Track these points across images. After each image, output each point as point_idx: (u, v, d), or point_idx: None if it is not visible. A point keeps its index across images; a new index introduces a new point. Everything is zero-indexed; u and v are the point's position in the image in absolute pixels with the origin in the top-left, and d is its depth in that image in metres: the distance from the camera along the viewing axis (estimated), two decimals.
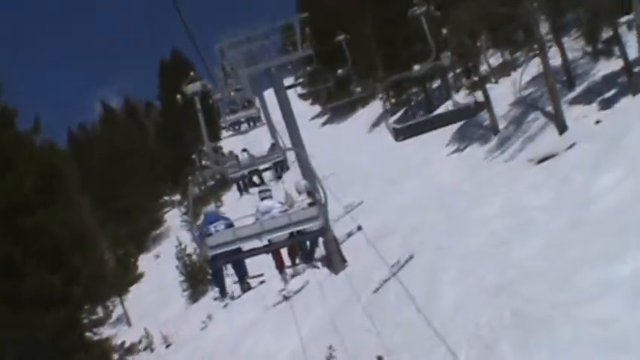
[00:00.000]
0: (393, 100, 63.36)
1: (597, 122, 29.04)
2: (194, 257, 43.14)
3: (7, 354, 21.79)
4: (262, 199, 15.07)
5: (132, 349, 30.24)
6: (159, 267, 55.00)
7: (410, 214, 31.07)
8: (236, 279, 16.35)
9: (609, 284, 16.86)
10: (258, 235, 11.51)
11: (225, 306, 35.65)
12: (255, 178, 22.14)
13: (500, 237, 23.11)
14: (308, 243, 16.17)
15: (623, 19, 32.28)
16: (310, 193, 14.66)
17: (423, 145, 43.15)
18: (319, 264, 20.44)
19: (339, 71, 41.63)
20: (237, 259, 13.71)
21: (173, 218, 67.15)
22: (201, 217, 15.57)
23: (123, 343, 30.13)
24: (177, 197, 69.53)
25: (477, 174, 33.80)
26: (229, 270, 16.68)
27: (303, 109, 74.71)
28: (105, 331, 32.59)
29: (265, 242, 12.06)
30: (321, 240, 18.60)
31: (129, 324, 46.22)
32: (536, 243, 21.26)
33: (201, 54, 12.79)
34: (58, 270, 23.07)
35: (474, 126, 39.10)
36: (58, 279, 22.22)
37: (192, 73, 19.60)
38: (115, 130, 75.90)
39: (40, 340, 21.94)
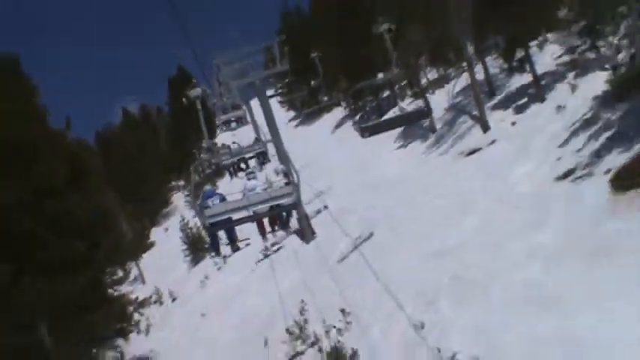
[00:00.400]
0: (352, 107, 62.74)
1: (513, 124, 28.82)
2: (194, 230, 42.54)
3: (41, 310, 21.20)
4: (249, 180, 15.05)
5: (144, 303, 29.53)
6: (167, 238, 54.28)
7: (367, 196, 30.53)
8: (228, 242, 16.41)
9: (532, 252, 16.47)
10: (245, 207, 12.10)
11: (219, 269, 35.70)
12: (243, 165, 21.61)
13: (442, 215, 22.69)
14: (284, 214, 16.16)
15: (533, 42, 31.90)
16: (286, 174, 14.68)
17: (375, 142, 42.74)
18: (293, 233, 21.58)
19: (312, 82, 40.92)
20: (229, 226, 13.81)
21: (178, 199, 66.41)
22: (201, 197, 15.19)
23: (137, 298, 29.40)
24: (181, 183, 68.83)
25: (419, 164, 33.30)
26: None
27: (282, 114, 74.42)
28: (124, 289, 32.14)
29: (251, 213, 12.34)
30: (295, 213, 18.35)
31: (143, 282, 45.60)
32: (471, 220, 20.92)
33: (202, 69, 12.64)
34: (82, 240, 22.42)
35: (415, 127, 38.57)
36: (82, 245, 21.59)
37: (194, 81, 19.33)
38: (133, 131, 74.19)
39: (68, 297, 21.33)
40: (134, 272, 45.67)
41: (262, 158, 21.70)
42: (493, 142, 28.19)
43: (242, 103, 29.72)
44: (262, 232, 17.45)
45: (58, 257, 21.09)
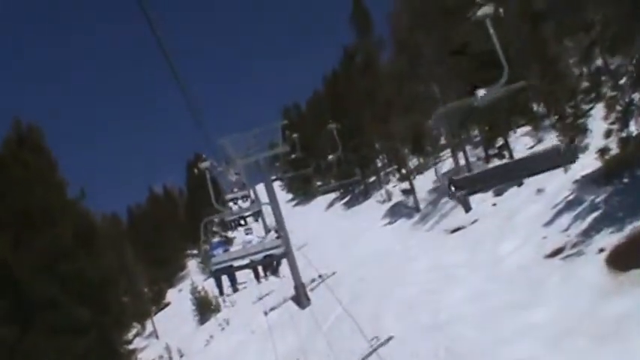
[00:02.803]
0: (341, 190, 60.36)
1: (493, 205, 26.63)
2: (203, 293, 41.39)
3: None
4: (246, 234, 14.71)
5: None
6: (180, 298, 52.51)
7: (358, 268, 27.88)
8: (229, 284, 16.38)
9: (526, 329, 13.70)
10: (243, 257, 12.14)
11: (223, 329, 32.94)
12: (242, 222, 19.82)
13: (430, 287, 20.04)
14: (275, 263, 15.36)
15: (513, 132, 29.74)
16: (277, 230, 14.17)
17: (363, 219, 40.54)
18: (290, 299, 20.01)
19: (330, 157, 38.41)
20: (230, 272, 13.20)
21: (192, 265, 65.44)
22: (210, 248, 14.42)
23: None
24: (195, 252, 67.01)
25: (406, 240, 30.76)
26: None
27: (282, 196, 72.43)
28: (140, 343, 29.64)
29: (248, 261, 12.32)
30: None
31: (157, 337, 43.93)
32: (460, 293, 18.33)
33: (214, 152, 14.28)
34: (90, 304, 19.71)
35: (401, 206, 36.40)
36: (86, 311, 18.93)
37: (203, 156, 18.35)
38: (157, 206, 75.99)
39: (74, 356, 18.74)
40: (150, 328, 45.25)
41: (257, 216, 20.31)
42: (475, 220, 25.84)
43: (248, 183, 28.36)
44: (257, 277, 17.08)
45: (66, 319, 18.66)
